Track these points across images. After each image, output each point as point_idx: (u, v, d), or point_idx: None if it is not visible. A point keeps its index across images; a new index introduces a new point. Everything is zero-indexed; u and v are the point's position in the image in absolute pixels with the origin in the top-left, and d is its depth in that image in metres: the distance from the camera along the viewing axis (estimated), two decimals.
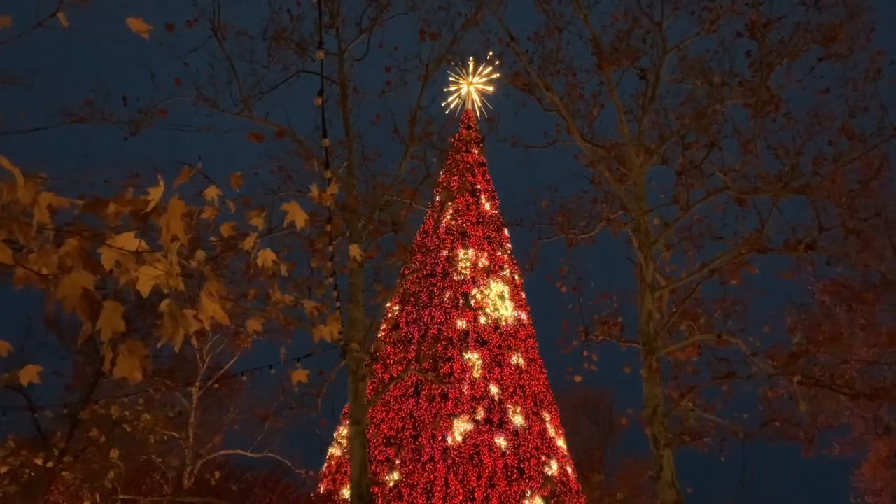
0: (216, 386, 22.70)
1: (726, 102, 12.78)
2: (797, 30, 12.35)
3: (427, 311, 27.53)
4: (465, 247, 29.40)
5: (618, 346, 13.06)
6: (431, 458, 23.94)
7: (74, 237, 2.23)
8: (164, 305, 2.48)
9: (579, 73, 13.72)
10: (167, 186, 2.49)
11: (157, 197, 2.33)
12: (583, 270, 13.90)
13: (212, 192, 3.79)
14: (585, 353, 13.24)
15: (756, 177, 12.17)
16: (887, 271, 12.13)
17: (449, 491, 23.14)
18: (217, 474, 17.30)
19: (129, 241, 2.30)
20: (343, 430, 25.54)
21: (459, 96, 34.07)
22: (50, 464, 13.68)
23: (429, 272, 28.55)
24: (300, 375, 4.08)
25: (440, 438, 24.32)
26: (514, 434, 25.12)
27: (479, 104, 34.35)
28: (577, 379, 13.51)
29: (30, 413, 15.46)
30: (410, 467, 23.99)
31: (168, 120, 12.64)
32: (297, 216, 3.64)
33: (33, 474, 13.34)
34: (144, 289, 2.36)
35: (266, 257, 3.71)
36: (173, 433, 19.88)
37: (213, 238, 4.01)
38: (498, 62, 14.87)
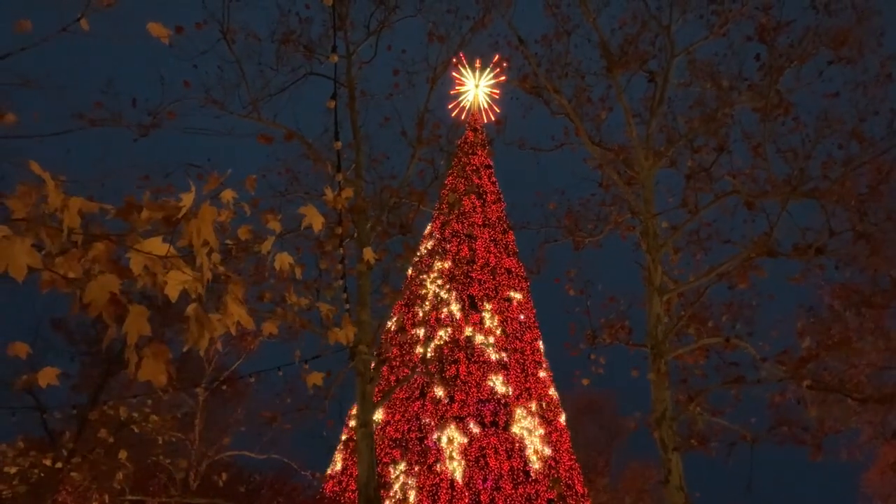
0: (223, 387, 22.74)
1: (735, 106, 12.75)
2: (806, 34, 12.32)
3: (433, 314, 27.54)
4: (471, 249, 29.41)
5: (625, 349, 13.04)
6: (437, 461, 23.94)
7: (102, 241, 2.24)
8: (190, 310, 2.50)
9: (588, 76, 13.71)
10: (189, 189, 2.50)
11: (189, 202, 2.35)
12: (590, 273, 13.89)
13: (227, 194, 3.80)
14: (593, 357, 13.22)
15: (765, 180, 12.15)
16: None
17: (455, 493, 23.13)
18: (224, 475, 17.32)
19: (158, 245, 2.32)
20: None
21: (467, 99, 34.08)
22: (59, 464, 13.73)
23: (435, 274, 28.56)
24: (316, 378, 4.08)
25: (445, 440, 24.32)
26: (520, 437, 25.11)
27: (487, 107, 34.35)
28: (585, 382, 13.49)
29: (39, 414, 15.52)
30: (416, 469, 24.00)
31: (177, 122, 12.67)
32: (315, 220, 3.65)
33: (42, 475, 13.39)
34: (173, 293, 2.38)
35: (283, 261, 3.72)
36: (180, 434, 19.92)
37: (229, 241, 4.03)
38: (506, 65, 14.87)
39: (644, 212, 12.71)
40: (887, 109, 11.85)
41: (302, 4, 14.17)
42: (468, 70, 33.51)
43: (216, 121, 13.14)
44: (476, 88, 34.11)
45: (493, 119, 33.50)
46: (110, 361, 17.75)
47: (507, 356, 26.94)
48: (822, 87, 12.43)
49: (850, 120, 12.04)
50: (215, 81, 13.06)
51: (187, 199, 2.35)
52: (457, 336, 26.68)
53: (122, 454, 13.84)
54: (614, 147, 13.64)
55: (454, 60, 15.02)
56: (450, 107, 33.68)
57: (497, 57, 15.10)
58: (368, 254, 5.62)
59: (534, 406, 26.34)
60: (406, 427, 25.22)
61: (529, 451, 24.92)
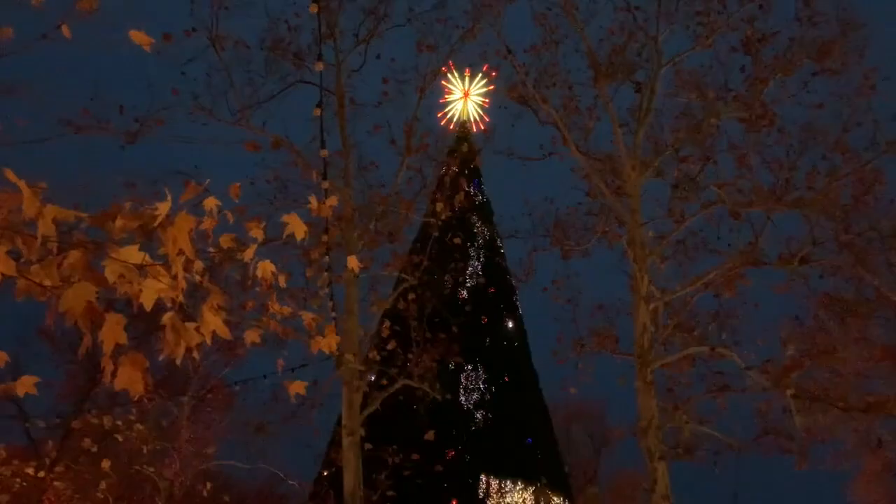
0: (208, 396, 22.57)
1: (721, 117, 12.86)
2: (791, 45, 12.47)
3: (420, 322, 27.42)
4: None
5: (612, 357, 13.07)
6: None
7: (78, 249, 2.23)
8: (166, 318, 2.48)
9: (575, 86, 13.77)
10: (165, 198, 2.49)
11: (165, 211, 2.34)
12: (578, 282, 13.92)
13: (210, 202, 3.77)
14: (580, 366, 13.25)
15: (750, 190, 12.25)
16: (881, 285, 12.20)
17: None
18: (209, 485, 17.16)
19: (134, 253, 2.31)
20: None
21: (455, 108, 34.10)
22: (41, 473, 13.53)
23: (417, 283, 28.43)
24: (298, 387, 4.05)
25: None
26: None
27: (476, 116, 34.38)
28: (573, 391, 13.53)
29: (21, 422, 15.35)
30: None
31: (165, 130, 12.59)
32: (298, 228, 3.63)
33: (24, 484, 13.20)
34: (148, 302, 2.37)
35: (265, 269, 3.69)
36: (165, 443, 19.75)
37: (211, 249, 4.00)
38: (494, 74, 14.93)
39: (631, 221, 12.77)
40: (870, 120, 12.00)
41: (291, 13, 14.15)
42: (457, 79, 33.55)
43: (204, 128, 13.08)
44: (465, 98, 34.14)
45: (482, 128, 33.53)
46: (95, 370, 17.61)
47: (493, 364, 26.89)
48: (806, 98, 12.57)
49: (834, 131, 12.18)
50: (204, 89, 13.01)
51: (163, 208, 2.34)
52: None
53: (106, 463, 13.63)
54: (602, 156, 13.70)
55: (443, 70, 15.03)
56: (439, 115, 33.67)
57: (486, 67, 15.14)
58: (353, 262, 5.61)
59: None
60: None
61: None
